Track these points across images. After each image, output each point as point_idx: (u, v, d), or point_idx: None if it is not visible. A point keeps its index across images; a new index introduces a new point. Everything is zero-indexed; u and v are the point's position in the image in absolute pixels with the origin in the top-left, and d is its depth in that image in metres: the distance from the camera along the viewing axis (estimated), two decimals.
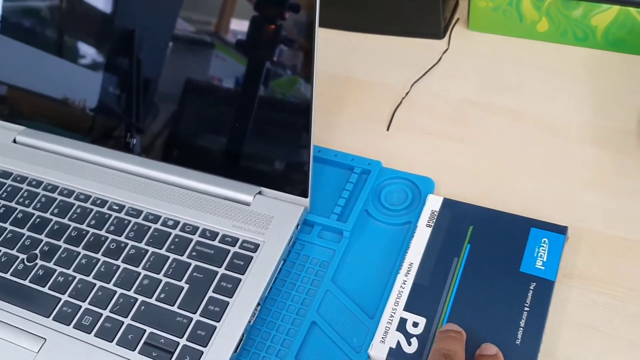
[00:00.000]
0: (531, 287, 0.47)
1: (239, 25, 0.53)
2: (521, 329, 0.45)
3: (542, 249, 0.49)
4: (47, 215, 0.56)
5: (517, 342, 0.45)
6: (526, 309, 0.46)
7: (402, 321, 0.47)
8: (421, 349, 0.46)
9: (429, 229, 0.52)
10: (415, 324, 0.47)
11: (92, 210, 0.56)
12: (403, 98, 0.65)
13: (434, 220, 0.53)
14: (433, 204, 0.54)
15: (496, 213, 0.53)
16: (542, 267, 0.48)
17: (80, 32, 0.60)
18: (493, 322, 0.46)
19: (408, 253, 0.51)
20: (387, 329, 0.47)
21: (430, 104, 0.64)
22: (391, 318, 0.47)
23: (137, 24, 0.57)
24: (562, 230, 0.50)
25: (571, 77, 0.64)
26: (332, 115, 0.65)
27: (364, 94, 0.67)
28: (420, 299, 0.48)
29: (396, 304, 0.48)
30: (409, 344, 0.46)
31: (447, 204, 0.54)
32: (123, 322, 0.49)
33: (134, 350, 0.47)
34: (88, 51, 0.59)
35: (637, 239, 0.51)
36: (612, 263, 0.50)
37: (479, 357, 0.43)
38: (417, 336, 0.46)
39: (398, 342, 0.46)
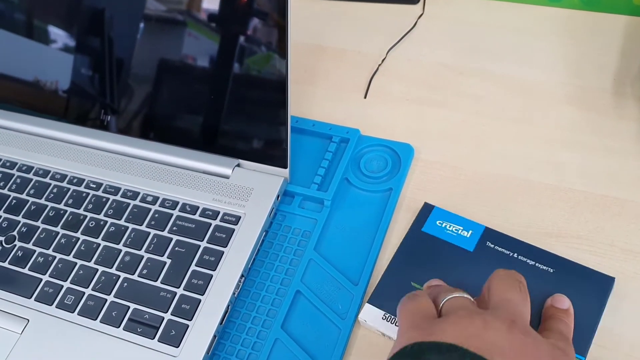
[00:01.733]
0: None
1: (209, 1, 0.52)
2: None
3: None
4: (24, 196, 0.55)
5: None
6: None
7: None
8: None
9: None
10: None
11: (69, 189, 0.55)
12: (379, 65, 0.65)
13: None
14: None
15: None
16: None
17: (49, 12, 0.58)
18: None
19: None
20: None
21: (407, 70, 0.64)
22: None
23: (107, 2, 0.56)
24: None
25: (546, 38, 0.64)
26: (309, 85, 0.64)
27: (339, 62, 0.66)
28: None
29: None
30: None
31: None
32: (106, 300, 0.48)
33: (118, 327, 0.47)
34: (58, 32, 0.58)
35: (615, 195, 0.51)
36: (592, 220, 0.50)
37: (550, 308, 0.43)
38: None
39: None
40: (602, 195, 0.52)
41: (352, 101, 0.63)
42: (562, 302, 0.43)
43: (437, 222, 0.50)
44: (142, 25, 0.55)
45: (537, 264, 0.47)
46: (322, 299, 0.49)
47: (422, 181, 0.55)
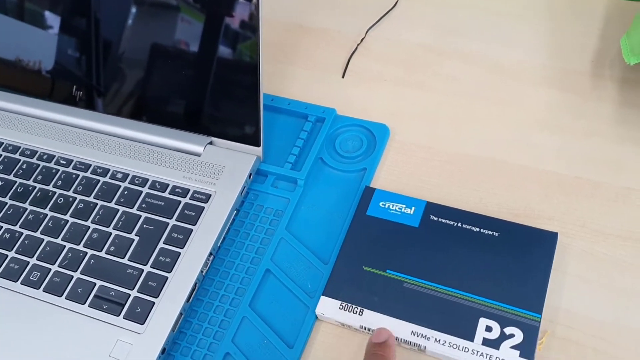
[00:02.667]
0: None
1: None
2: None
3: None
4: None
5: None
6: None
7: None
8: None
9: None
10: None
11: (38, 165, 0.54)
12: (358, 44, 0.64)
13: None
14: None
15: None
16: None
17: None
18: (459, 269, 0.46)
19: None
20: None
21: (386, 50, 0.63)
22: None
23: None
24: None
25: (525, 20, 0.63)
26: (286, 64, 0.64)
27: (318, 41, 0.65)
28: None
29: None
30: None
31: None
32: (72, 277, 0.48)
33: (83, 304, 0.46)
34: (41, 10, 0.57)
35: (589, 177, 0.51)
36: (564, 202, 0.50)
37: (369, 345, 0.42)
38: None
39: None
40: (576, 177, 0.51)
41: (330, 80, 0.62)
42: (379, 336, 0.42)
43: (380, 204, 0.50)
44: (116, 2, 0.54)
45: (481, 230, 0.47)
46: (292, 278, 0.48)
47: (396, 162, 0.55)
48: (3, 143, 0.56)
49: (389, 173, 0.54)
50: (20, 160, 0.55)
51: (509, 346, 0.41)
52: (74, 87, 0.57)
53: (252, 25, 0.49)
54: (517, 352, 0.41)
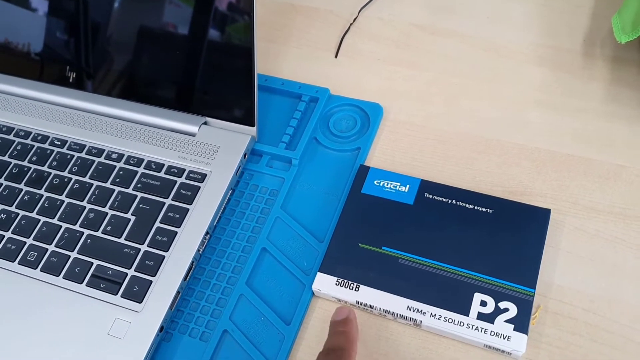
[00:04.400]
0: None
1: None
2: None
3: None
4: None
5: None
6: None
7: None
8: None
9: None
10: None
11: (33, 146, 0.54)
12: (351, 24, 0.64)
13: None
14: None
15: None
16: None
17: None
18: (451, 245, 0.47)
19: None
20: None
21: (379, 30, 0.63)
22: None
23: None
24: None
25: None
26: (280, 44, 0.64)
27: (311, 21, 0.65)
28: None
29: None
30: None
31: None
32: (69, 256, 0.48)
33: (81, 283, 0.47)
34: None
35: (581, 155, 0.52)
36: (556, 179, 0.51)
37: (331, 323, 0.43)
38: None
39: None
40: (568, 155, 0.52)
41: (323, 60, 0.62)
42: (339, 313, 0.43)
43: (375, 182, 0.50)
44: None
45: (475, 207, 0.48)
46: (288, 256, 0.49)
47: (390, 140, 0.55)
48: None
49: (383, 152, 0.54)
50: (14, 141, 0.55)
51: (503, 320, 0.42)
52: (68, 67, 0.57)
53: (246, 5, 0.49)
54: (512, 326, 0.42)
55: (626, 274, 0.45)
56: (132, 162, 0.52)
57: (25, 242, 0.49)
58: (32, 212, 0.51)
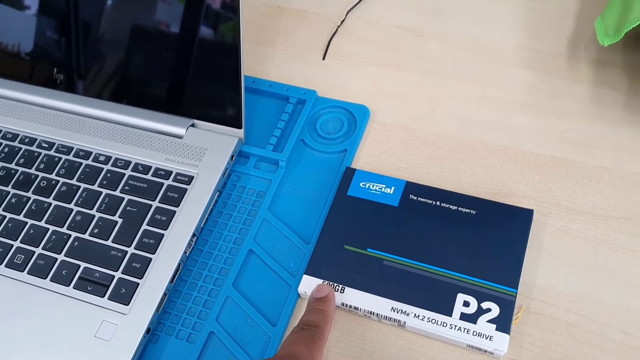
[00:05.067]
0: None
1: None
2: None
3: None
4: None
5: None
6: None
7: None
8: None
9: None
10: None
11: (20, 149, 0.55)
12: (338, 26, 0.64)
13: None
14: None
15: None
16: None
17: None
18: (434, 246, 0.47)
19: None
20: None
21: (366, 32, 0.64)
22: None
23: None
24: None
25: (504, 2, 0.64)
26: (268, 46, 0.64)
27: (299, 23, 0.66)
28: None
29: None
30: None
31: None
32: (56, 259, 0.48)
33: (68, 286, 0.47)
34: None
35: (564, 156, 0.52)
36: (540, 181, 0.51)
37: (311, 300, 0.45)
38: None
39: None
40: (551, 157, 0.52)
41: (311, 62, 0.62)
42: (320, 291, 0.45)
43: (361, 184, 0.51)
44: None
45: (459, 208, 0.48)
46: (274, 258, 0.49)
47: (376, 142, 0.56)
48: None
49: (369, 154, 0.55)
50: (1, 143, 0.55)
51: (485, 320, 0.43)
52: (55, 69, 0.57)
53: (232, 6, 0.50)
54: (494, 326, 0.42)
55: (606, 275, 0.46)
56: (120, 164, 0.53)
57: (12, 245, 0.49)
58: (19, 214, 0.51)
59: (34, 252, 0.49)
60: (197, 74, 0.53)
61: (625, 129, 0.53)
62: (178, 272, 0.48)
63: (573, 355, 0.43)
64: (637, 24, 0.49)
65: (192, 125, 0.54)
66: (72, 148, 0.54)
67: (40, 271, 0.48)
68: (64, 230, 0.50)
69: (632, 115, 0.54)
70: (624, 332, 0.44)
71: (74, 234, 0.49)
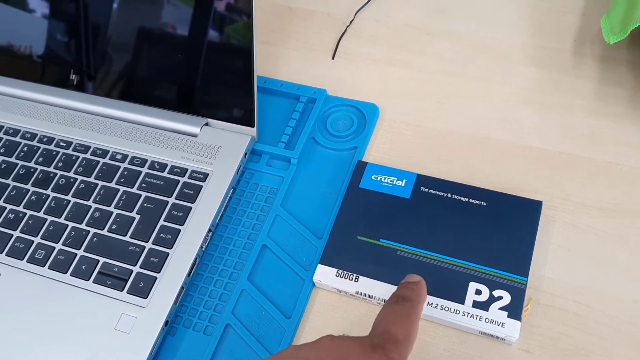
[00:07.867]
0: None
1: None
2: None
3: None
4: None
5: None
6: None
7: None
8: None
9: None
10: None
11: (39, 148, 0.56)
12: (347, 26, 0.66)
13: None
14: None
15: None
16: None
17: None
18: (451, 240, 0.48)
19: None
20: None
21: (375, 31, 0.65)
22: None
23: None
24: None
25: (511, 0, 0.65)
26: (278, 46, 0.65)
27: (308, 23, 0.67)
28: None
29: None
30: None
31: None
32: (76, 254, 0.50)
33: (88, 280, 0.48)
34: None
35: (571, 152, 0.53)
36: (547, 176, 0.52)
37: (403, 284, 0.43)
38: None
39: None
40: (558, 152, 0.53)
41: (320, 62, 0.63)
42: (412, 277, 0.42)
43: (372, 177, 0.52)
44: None
45: (470, 200, 0.49)
46: (288, 252, 0.50)
47: (386, 139, 0.57)
48: (4, 126, 0.58)
49: (379, 151, 0.56)
50: (21, 143, 0.56)
51: (497, 307, 0.44)
52: (71, 70, 0.58)
53: (245, 7, 0.51)
54: (506, 313, 0.44)
55: (615, 267, 0.47)
56: (136, 162, 0.54)
57: (33, 241, 0.51)
58: (39, 211, 0.52)
59: (54, 248, 0.50)
60: (211, 74, 0.54)
61: (631, 125, 0.54)
62: (195, 266, 0.49)
63: (582, 346, 0.44)
64: None
65: (207, 124, 0.56)
66: (90, 147, 0.55)
67: (60, 266, 0.49)
68: (83, 226, 0.51)
69: (637, 111, 0.55)
70: (632, 323, 0.45)
71: (92, 230, 0.51)
